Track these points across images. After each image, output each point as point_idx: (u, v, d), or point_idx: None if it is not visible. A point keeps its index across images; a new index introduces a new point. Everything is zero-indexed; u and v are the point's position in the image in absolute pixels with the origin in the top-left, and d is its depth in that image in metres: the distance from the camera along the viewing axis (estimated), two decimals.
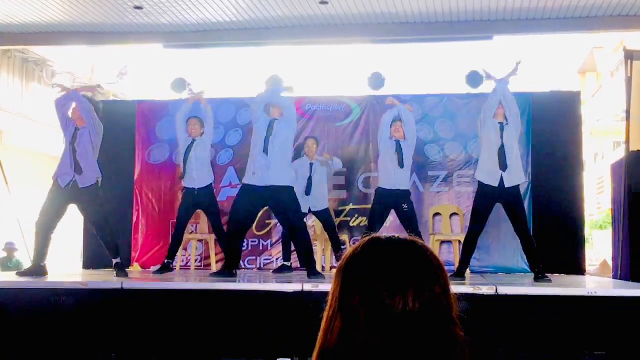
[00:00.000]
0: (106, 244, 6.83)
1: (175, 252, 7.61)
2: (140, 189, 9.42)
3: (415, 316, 1.36)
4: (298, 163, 8.08)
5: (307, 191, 7.94)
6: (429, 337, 1.37)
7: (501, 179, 6.58)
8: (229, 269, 6.59)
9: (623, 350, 4.94)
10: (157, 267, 8.16)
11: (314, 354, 1.43)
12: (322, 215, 8.09)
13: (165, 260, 7.41)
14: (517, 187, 6.71)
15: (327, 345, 1.41)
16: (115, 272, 6.75)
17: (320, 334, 1.44)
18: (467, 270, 7.79)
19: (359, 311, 1.38)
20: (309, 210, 7.96)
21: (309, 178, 8.04)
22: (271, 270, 8.19)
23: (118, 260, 6.80)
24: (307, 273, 6.48)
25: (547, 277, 6.33)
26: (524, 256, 8.53)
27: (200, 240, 8.65)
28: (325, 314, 1.44)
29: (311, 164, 8.12)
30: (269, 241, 9.05)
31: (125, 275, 6.74)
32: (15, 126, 14.56)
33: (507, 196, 6.63)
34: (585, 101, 17.94)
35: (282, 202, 6.61)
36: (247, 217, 6.80)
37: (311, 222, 8.49)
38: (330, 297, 1.45)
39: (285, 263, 7.88)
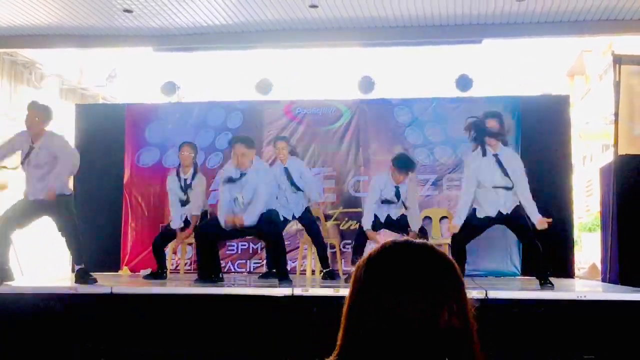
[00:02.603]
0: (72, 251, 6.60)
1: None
2: (129, 192, 9.38)
3: (431, 330, 1.33)
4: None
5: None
6: (445, 353, 1.33)
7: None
8: (215, 274, 6.70)
9: (612, 354, 4.96)
10: (149, 271, 8.13)
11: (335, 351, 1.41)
12: (305, 219, 7.79)
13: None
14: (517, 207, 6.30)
15: (345, 346, 1.39)
16: (76, 279, 6.37)
17: (340, 333, 1.41)
18: None
19: (372, 318, 1.34)
20: (293, 218, 7.71)
21: (293, 183, 7.56)
22: (258, 276, 8.13)
23: (82, 266, 6.43)
24: (278, 279, 6.45)
25: (550, 282, 6.06)
26: (514, 260, 8.59)
27: (190, 244, 8.62)
28: (343, 314, 1.41)
29: (286, 169, 7.62)
30: (259, 244, 9.02)
31: (85, 283, 6.21)
32: (3, 129, 14.47)
33: (507, 218, 6.37)
34: (574, 104, 18.03)
35: (258, 225, 6.60)
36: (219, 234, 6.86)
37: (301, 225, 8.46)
38: (347, 297, 1.42)
39: (273, 271, 7.76)
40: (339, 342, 1.40)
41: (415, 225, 7.18)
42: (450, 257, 1.42)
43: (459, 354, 1.34)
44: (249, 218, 6.44)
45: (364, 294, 1.37)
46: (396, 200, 7.23)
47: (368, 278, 1.38)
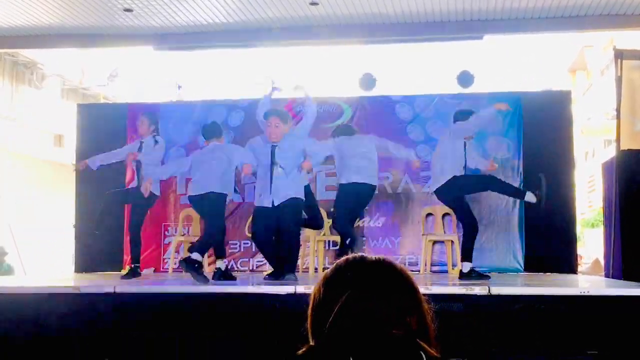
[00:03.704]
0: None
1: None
2: None
3: (389, 334, 1.41)
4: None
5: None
6: (396, 352, 1.41)
7: None
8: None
9: (615, 350, 4.95)
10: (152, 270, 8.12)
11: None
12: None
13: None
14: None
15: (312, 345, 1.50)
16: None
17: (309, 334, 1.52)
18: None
19: (333, 327, 1.44)
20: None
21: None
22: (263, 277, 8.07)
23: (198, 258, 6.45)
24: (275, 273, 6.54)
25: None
26: (517, 256, 8.60)
27: (192, 243, 8.63)
28: (308, 324, 1.54)
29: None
30: None
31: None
32: (4, 129, 14.50)
33: None
34: (575, 100, 18.00)
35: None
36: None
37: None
38: (309, 311, 1.54)
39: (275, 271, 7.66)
40: (310, 338, 1.51)
41: None
42: (405, 269, 1.52)
43: (416, 352, 1.42)
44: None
45: (323, 307, 1.48)
46: None
47: (326, 292, 1.49)
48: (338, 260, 1.54)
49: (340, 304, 1.42)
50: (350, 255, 1.55)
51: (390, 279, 1.48)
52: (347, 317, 1.42)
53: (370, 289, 1.44)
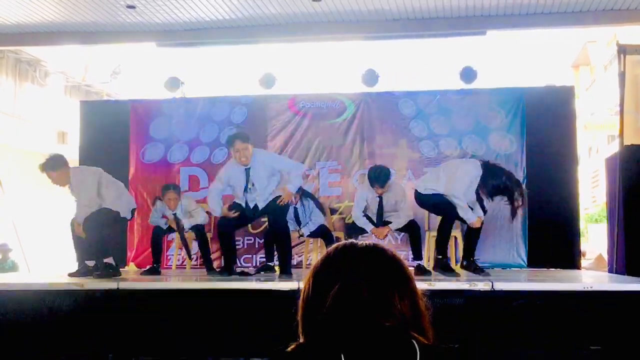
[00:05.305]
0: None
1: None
2: (135, 188, 9.38)
3: (375, 322, 1.41)
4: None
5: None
6: (389, 344, 1.41)
7: None
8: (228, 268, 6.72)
9: (618, 345, 4.95)
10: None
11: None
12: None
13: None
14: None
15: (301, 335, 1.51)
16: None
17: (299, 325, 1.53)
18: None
19: (321, 313, 1.44)
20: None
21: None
22: (255, 270, 8.09)
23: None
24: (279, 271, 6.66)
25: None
26: (520, 251, 8.59)
27: (195, 240, 8.63)
28: (299, 313, 1.53)
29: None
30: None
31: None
32: (8, 126, 14.52)
33: None
34: (579, 95, 17.98)
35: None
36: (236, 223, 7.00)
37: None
38: (301, 294, 1.53)
39: (269, 264, 7.67)
40: (300, 331, 1.52)
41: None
42: (396, 254, 1.52)
43: (408, 341, 1.41)
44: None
45: (313, 299, 1.49)
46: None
47: (316, 282, 1.50)
48: (328, 248, 1.55)
49: (331, 297, 1.42)
50: (341, 242, 1.55)
51: (381, 264, 1.48)
52: (337, 311, 1.41)
53: (361, 274, 1.44)
